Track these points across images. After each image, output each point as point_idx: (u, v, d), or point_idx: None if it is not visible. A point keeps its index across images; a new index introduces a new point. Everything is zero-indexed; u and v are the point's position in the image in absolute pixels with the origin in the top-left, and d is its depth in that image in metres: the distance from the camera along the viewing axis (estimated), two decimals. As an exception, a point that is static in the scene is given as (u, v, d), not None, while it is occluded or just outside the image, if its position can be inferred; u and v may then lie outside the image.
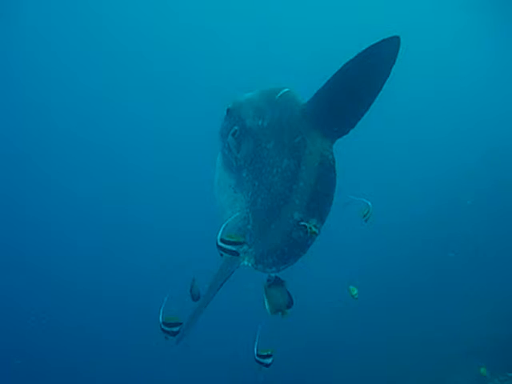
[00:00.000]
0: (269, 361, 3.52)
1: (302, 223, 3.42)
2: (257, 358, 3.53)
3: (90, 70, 25.19)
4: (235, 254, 3.20)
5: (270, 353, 3.53)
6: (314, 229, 3.37)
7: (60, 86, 24.66)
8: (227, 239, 3.19)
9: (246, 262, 3.72)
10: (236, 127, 4.07)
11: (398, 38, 3.36)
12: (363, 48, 3.31)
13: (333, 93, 3.54)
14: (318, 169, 3.59)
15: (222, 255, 3.23)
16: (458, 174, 15.67)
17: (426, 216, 14.20)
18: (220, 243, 3.16)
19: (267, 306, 3.45)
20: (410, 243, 13.26)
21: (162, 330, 3.33)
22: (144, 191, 20.18)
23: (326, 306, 11.34)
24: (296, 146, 3.65)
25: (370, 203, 4.72)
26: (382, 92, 3.53)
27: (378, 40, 3.30)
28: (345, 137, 3.74)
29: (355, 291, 5.60)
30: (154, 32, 26.96)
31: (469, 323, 10.01)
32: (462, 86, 24.13)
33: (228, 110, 4.23)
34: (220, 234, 3.20)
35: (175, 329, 3.32)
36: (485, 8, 19.94)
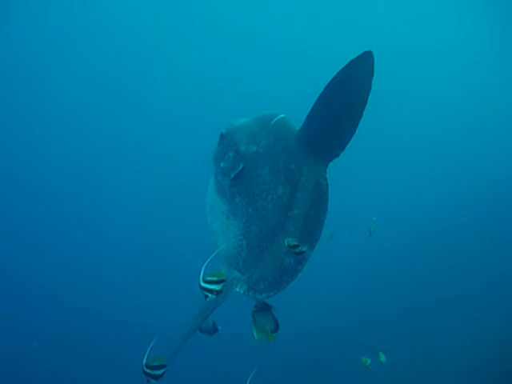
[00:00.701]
0: None
1: (290, 241, 3.41)
2: None
3: (70, 87, 25.11)
4: (219, 293, 3.04)
5: None
6: (302, 249, 3.38)
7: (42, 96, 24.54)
8: (210, 279, 3.04)
9: (237, 289, 3.73)
10: (230, 153, 4.03)
11: (370, 52, 3.37)
12: (338, 69, 3.35)
13: (319, 117, 3.57)
14: (312, 195, 3.61)
15: (206, 297, 3.08)
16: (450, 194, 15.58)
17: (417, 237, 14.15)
18: (203, 284, 3.01)
19: (254, 331, 3.49)
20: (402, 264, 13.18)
21: (144, 372, 3.17)
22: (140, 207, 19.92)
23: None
24: (292, 172, 3.65)
25: (375, 218, 4.67)
26: (366, 110, 3.53)
27: (351, 59, 3.33)
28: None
29: (383, 357, 5.61)
30: (142, 51, 27.05)
31: (461, 344, 9.88)
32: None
33: (221, 135, 4.19)
34: (202, 275, 3.05)
35: (158, 372, 3.15)
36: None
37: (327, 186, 3.65)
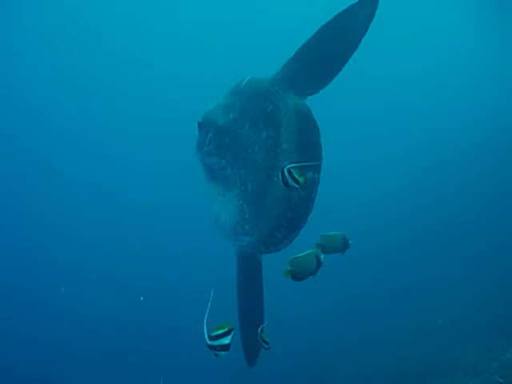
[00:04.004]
0: None
1: (286, 170, 3.20)
2: None
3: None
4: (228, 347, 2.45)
5: None
6: (300, 178, 3.20)
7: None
8: (217, 333, 2.44)
9: (260, 254, 3.83)
10: (210, 133, 4.05)
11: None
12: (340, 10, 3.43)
13: (309, 54, 3.67)
14: (296, 124, 3.61)
15: (217, 355, 2.50)
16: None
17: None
18: (210, 342, 2.41)
19: (293, 261, 3.40)
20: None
21: None
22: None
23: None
24: (270, 114, 3.67)
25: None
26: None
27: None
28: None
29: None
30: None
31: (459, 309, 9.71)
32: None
33: (199, 124, 4.22)
34: (205, 332, 2.43)
35: None
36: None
37: (309, 110, 3.64)
